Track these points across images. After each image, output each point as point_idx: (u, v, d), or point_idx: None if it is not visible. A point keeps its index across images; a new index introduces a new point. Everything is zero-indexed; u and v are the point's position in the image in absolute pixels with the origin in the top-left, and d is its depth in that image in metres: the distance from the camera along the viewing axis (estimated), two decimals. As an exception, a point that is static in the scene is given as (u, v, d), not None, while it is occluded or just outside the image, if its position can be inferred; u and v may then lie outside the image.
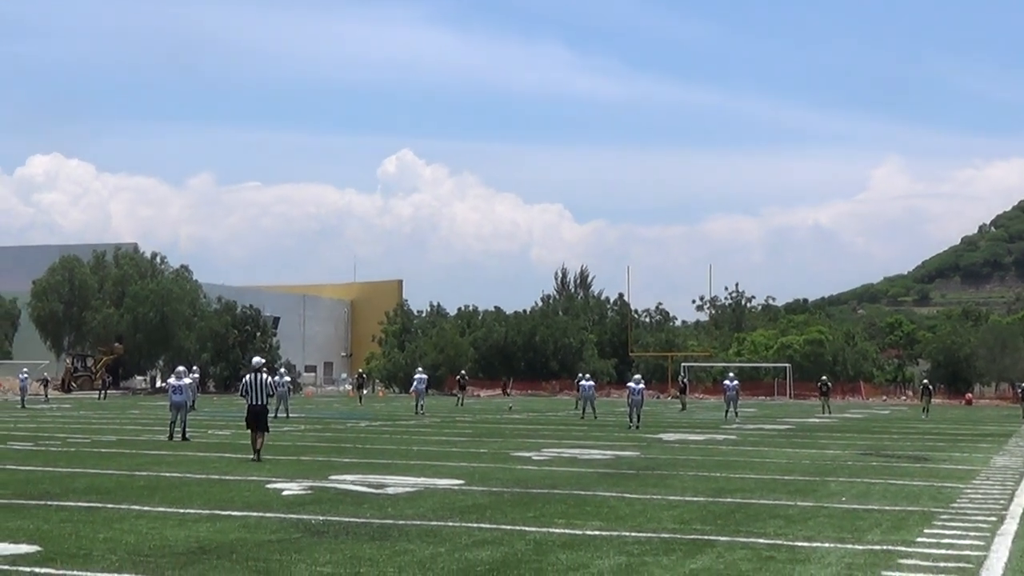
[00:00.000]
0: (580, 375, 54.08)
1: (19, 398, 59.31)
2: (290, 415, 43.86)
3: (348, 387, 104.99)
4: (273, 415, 43.45)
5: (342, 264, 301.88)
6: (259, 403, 23.76)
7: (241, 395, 24.47)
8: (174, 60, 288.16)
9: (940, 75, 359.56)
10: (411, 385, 56.75)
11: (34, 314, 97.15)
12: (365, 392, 75.57)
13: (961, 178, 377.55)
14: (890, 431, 40.18)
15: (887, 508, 16.05)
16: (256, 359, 25.58)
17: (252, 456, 23.37)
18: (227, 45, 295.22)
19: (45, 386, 70.68)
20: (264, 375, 24.37)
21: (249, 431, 23.83)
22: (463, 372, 74.42)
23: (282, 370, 48.69)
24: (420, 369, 58.07)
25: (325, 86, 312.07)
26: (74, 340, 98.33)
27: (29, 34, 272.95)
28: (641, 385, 40.32)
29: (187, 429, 30.20)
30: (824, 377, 64.83)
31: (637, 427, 38.09)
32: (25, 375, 61.78)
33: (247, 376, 24.30)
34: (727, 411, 48.26)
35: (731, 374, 55.00)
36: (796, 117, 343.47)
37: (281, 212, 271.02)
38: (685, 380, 66.85)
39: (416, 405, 50.25)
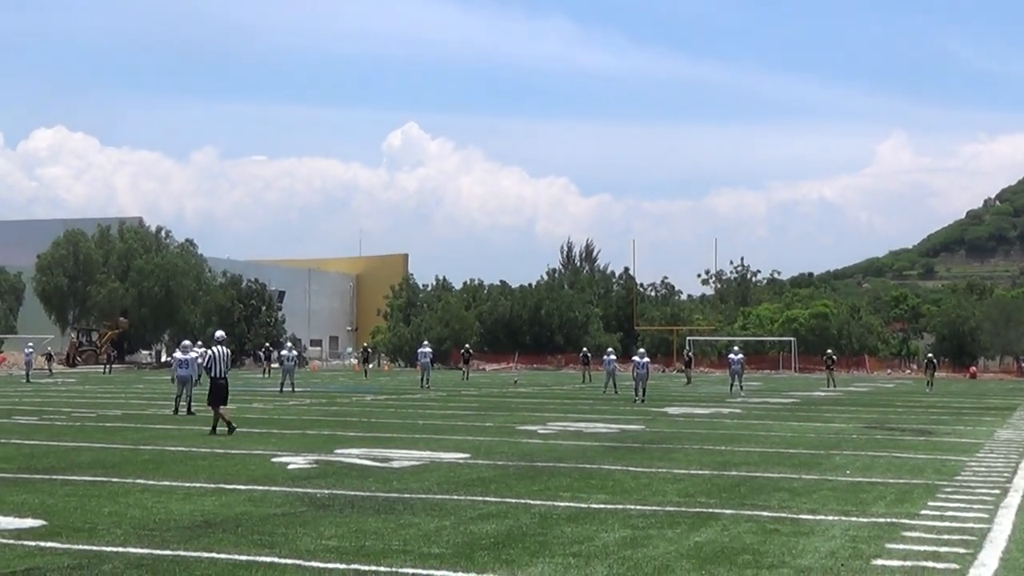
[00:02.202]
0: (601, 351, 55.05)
1: (24, 372, 59.39)
2: (296, 389, 43.92)
3: (353, 361, 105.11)
4: (279, 389, 43.77)
5: (347, 238, 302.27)
6: (222, 377, 23.81)
7: (206, 368, 24.53)
8: (177, 34, 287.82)
9: (946, 49, 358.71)
10: (416, 359, 57.01)
11: (39, 288, 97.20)
12: (370, 366, 75.56)
13: (966, 152, 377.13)
14: (894, 404, 40.19)
15: (891, 481, 16.06)
16: (218, 332, 25.58)
17: (209, 430, 23.28)
18: (232, 18, 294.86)
19: (49, 360, 70.84)
20: (225, 348, 24.44)
21: (216, 407, 23.69)
22: (467, 346, 74.38)
23: (288, 344, 48.71)
24: (426, 343, 58.17)
25: (331, 60, 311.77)
26: (79, 314, 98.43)
27: (34, 7, 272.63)
28: (646, 359, 40.31)
29: (192, 403, 30.24)
30: (829, 351, 64.73)
31: (643, 400, 38.09)
32: (30, 350, 61.85)
33: (212, 349, 24.34)
34: (732, 384, 48.24)
35: (736, 348, 55.01)
36: (802, 92, 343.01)
37: (286, 186, 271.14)
38: (690, 354, 66.83)
39: (422, 379, 50.32)
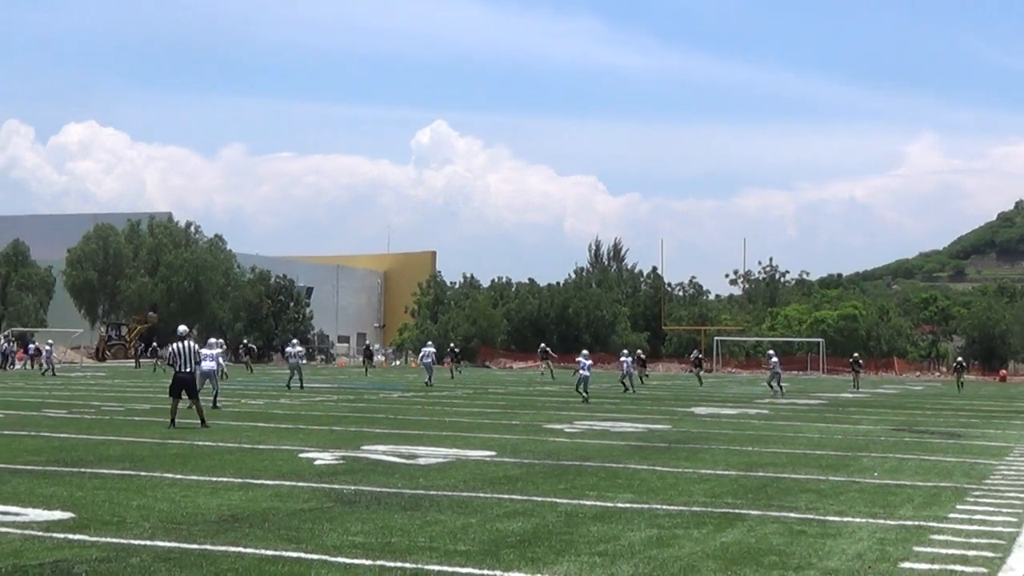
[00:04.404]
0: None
1: (47, 367, 59.64)
2: (304, 386, 43.61)
3: (381, 358, 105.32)
4: (286, 386, 43.70)
5: (375, 235, 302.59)
6: (187, 371, 23.86)
7: (169, 363, 24.64)
8: (208, 31, 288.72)
9: (976, 51, 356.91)
10: (420, 358, 57.66)
11: (69, 282, 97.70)
12: (373, 365, 75.40)
13: (996, 154, 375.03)
14: (923, 407, 40.02)
15: (919, 484, 15.98)
16: (181, 328, 25.60)
17: (169, 425, 23.20)
18: (261, 16, 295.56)
19: (38, 353, 71.13)
20: (191, 343, 24.49)
21: (171, 399, 23.74)
22: (452, 345, 74.79)
23: (294, 341, 48.58)
24: (429, 343, 58.53)
25: (360, 58, 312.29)
26: (108, 309, 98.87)
27: (66, 4, 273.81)
28: (589, 362, 40.66)
29: (218, 398, 30.56)
30: (856, 354, 64.49)
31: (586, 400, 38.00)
32: (50, 344, 62.46)
33: (175, 344, 24.28)
34: (771, 384, 48.32)
35: (771, 351, 54.99)
36: (831, 92, 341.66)
37: (314, 182, 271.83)
38: (700, 355, 65.97)
39: (429, 378, 50.66)
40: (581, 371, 39.35)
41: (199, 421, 23.66)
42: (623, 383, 47.38)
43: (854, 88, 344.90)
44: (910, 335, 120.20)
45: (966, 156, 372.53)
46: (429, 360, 52.16)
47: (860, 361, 62.24)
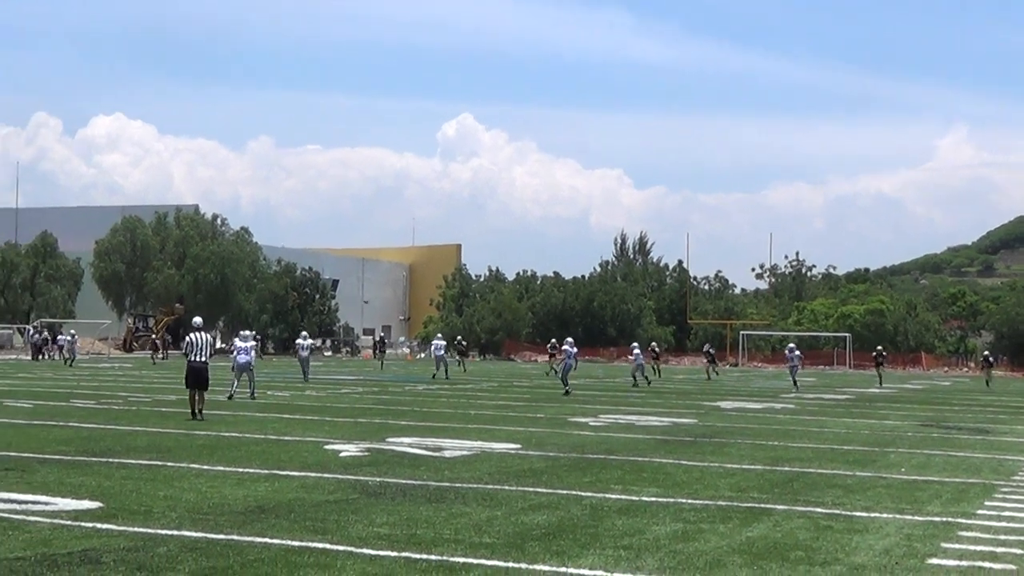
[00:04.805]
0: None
1: (70, 357, 60.03)
2: (308, 379, 43.60)
3: (406, 350, 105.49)
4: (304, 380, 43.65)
5: (401, 228, 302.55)
6: (202, 361, 23.95)
7: (185, 354, 24.72)
8: (236, 23, 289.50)
9: (1008, 44, 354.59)
10: (429, 351, 57.79)
11: (96, 274, 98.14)
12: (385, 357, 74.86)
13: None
14: (951, 403, 39.86)
15: (947, 480, 15.92)
16: (196, 319, 25.69)
17: (190, 416, 23.37)
18: (287, 8, 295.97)
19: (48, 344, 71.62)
20: (206, 334, 24.61)
21: (188, 390, 23.88)
22: (458, 338, 74.50)
23: (304, 333, 48.54)
24: (439, 335, 58.75)
25: (385, 50, 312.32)
26: (135, 300, 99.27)
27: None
28: (574, 350, 40.44)
29: (255, 389, 31.31)
30: (879, 347, 63.96)
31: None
32: (72, 334, 62.88)
33: (190, 335, 24.40)
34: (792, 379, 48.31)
35: (792, 344, 54.75)
36: (861, 85, 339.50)
37: (340, 175, 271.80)
38: (711, 350, 65.17)
39: (444, 370, 50.77)
40: (567, 360, 39.05)
41: (198, 411, 23.65)
42: (634, 377, 47.32)
43: (886, 81, 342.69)
44: (938, 330, 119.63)
45: (998, 150, 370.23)
46: (441, 353, 52.26)
47: (884, 353, 61.46)
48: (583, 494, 13.40)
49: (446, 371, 51.01)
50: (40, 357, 70.71)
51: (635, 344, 53.43)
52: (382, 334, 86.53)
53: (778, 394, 42.03)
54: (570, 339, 41.49)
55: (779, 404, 35.00)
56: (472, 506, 12.25)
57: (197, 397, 23.73)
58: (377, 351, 72.14)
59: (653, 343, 67.65)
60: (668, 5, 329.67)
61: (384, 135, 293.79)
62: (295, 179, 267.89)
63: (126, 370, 52.16)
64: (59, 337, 75.79)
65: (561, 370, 39.25)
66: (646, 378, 47.68)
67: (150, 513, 11.30)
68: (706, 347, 66.12)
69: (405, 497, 12.81)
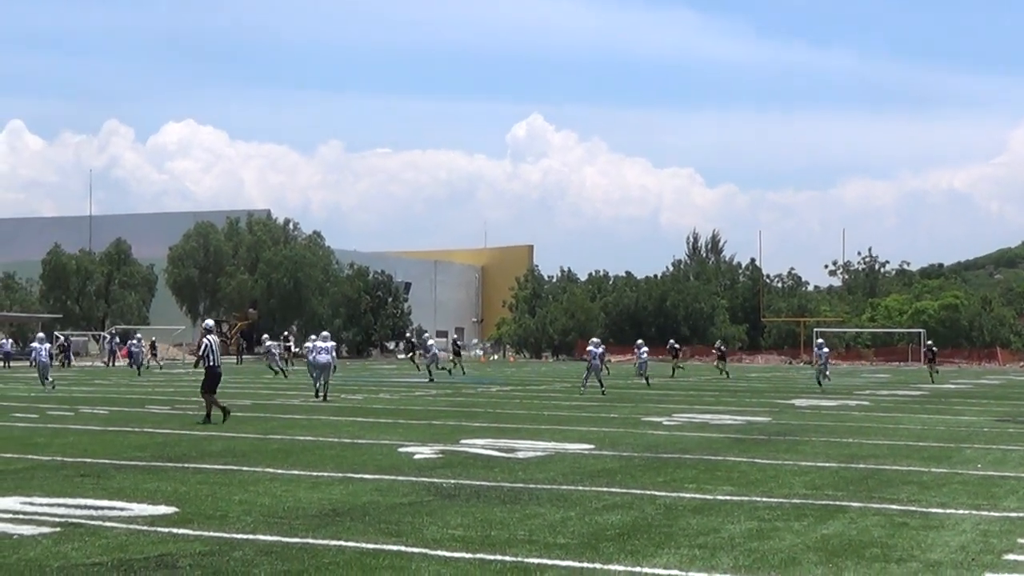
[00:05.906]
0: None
1: (137, 364, 60.03)
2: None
3: (480, 352, 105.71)
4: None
5: (472, 229, 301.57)
6: (218, 366, 24.17)
7: (203, 356, 24.46)
8: (305, 29, 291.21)
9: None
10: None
11: (170, 280, 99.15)
12: (414, 360, 74.40)
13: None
14: (1029, 397, 39.36)
15: (1025, 475, 15.75)
16: (208, 321, 25.76)
17: (204, 420, 23.57)
18: (356, 12, 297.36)
19: (153, 350, 71.38)
20: (215, 337, 24.64)
21: (207, 395, 24.03)
22: (455, 338, 74.47)
23: (325, 334, 48.11)
24: (428, 336, 58.45)
25: (454, 52, 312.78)
26: (209, 306, 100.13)
27: (164, 3, 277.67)
28: (601, 348, 38.71)
29: (328, 392, 31.78)
30: (930, 342, 62.66)
31: (585, 390, 37.36)
32: (138, 339, 62.68)
33: (208, 338, 24.31)
34: (818, 378, 46.42)
35: (820, 340, 53.75)
36: (931, 79, 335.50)
37: (410, 178, 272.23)
38: (723, 347, 63.68)
39: (461, 367, 50.93)
40: (593, 361, 37.56)
41: (205, 415, 23.88)
42: (642, 374, 46.57)
43: (957, 75, 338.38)
44: (1013, 325, 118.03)
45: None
46: (435, 351, 51.60)
47: (934, 349, 59.45)
48: (657, 494, 13.38)
49: (460, 366, 51.29)
50: (114, 363, 71.28)
51: (640, 340, 51.53)
52: (455, 337, 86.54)
53: (852, 391, 41.68)
54: (595, 339, 40.06)
55: (853, 401, 34.72)
56: (546, 507, 12.26)
57: (214, 398, 23.88)
58: (453, 354, 71.93)
59: (719, 342, 66.69)
60: (736, 4, 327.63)
61: (454, 137, 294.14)
62: (365, 182, 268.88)
63: (199, 375, 52.48)
64: (130, 342, 76.51)
65: (588, 373, 37.82)
66: (645, 377, 46.41)
67: (225, 517, 11.40)
68: (718, 343, 65.15)
69: (479, 499, 12.84)
